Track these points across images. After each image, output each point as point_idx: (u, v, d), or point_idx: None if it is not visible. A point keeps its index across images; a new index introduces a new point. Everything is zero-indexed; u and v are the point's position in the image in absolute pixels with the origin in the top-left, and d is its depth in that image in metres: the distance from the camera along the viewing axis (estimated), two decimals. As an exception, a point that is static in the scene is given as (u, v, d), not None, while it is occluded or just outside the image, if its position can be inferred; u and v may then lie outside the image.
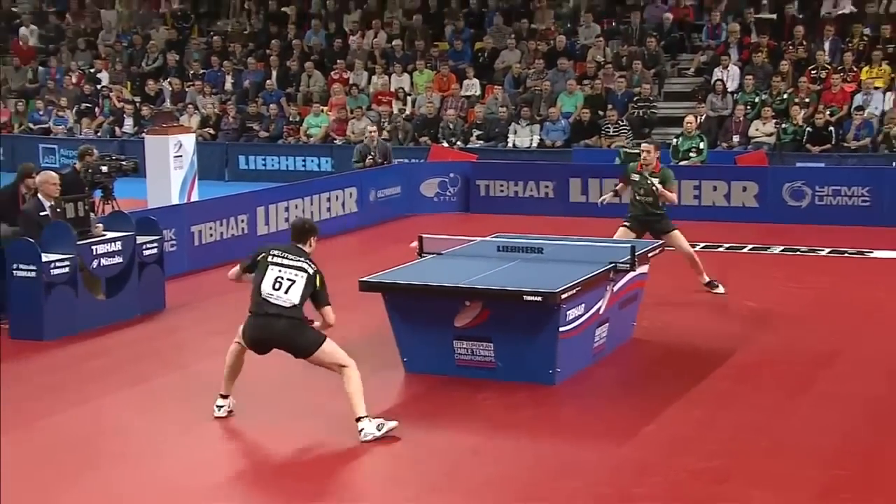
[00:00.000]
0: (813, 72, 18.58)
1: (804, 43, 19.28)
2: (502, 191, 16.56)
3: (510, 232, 10.73)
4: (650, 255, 9.40)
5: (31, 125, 22.97)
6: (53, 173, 10.36)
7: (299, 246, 7.28)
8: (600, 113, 19.08)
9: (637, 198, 10.87)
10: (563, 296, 7.83)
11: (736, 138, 17.92)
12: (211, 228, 12.74)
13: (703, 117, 17.86)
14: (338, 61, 21.98)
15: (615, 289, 8.74)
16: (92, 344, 9.49)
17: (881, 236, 13.74)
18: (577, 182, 16.13)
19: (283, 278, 7.06)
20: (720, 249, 13.01)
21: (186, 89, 22.38)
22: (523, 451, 6.94)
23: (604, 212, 15.36)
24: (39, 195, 10.04)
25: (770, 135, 17.76)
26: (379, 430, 6.99)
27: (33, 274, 9.46)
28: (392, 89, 21.24)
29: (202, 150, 17.31)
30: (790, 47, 19.24)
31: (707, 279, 10.96)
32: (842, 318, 10.12)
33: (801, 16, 20.20)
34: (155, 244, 10.63)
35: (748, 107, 18.20)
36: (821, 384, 8.22)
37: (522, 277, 8.36)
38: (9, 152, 21.93)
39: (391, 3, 23.35)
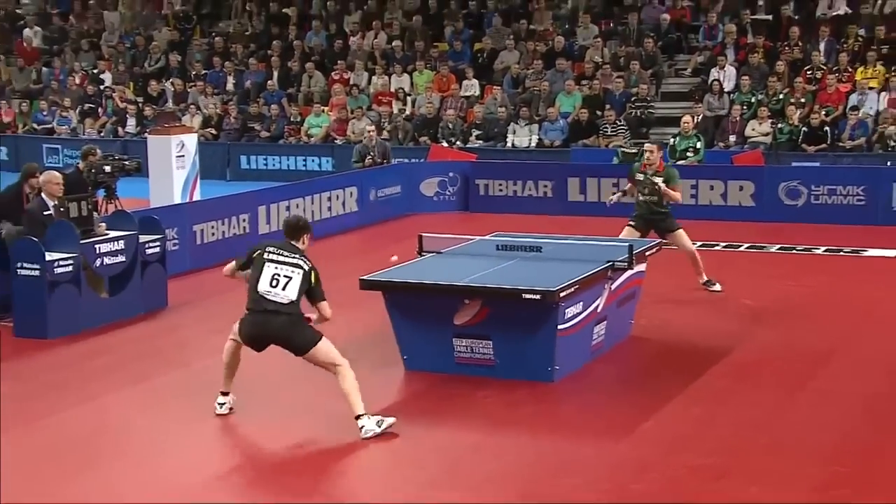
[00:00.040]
0: (808, 72, 18.68)
1: (800, 44, 19.37)
2: (501, 190, 16.64)
3: (509, 231, 10.79)
4: (647, 253, 9.48)
5: (34, 125, 23.06)
6: (57, 173, 10.39)
7: (293, 243, 7.33)
8: (598, 113, 19.17)
9: (641, 197, 10.96)
10: (562, 294, 7.89)
11: (732, 138, 18.02)
12: (213, 227, 12.81)
13: (700, 117, 17.95)
14: (338, 62, 22.07)
15: (613, 287, 8.80)
16: (95, 342, 9.54)
17: (876, 235, 13.83)
18: (575, 181, 16.22)
19: (279, 275, 7.11)
20: (717, 248, 13.10)
21: (188, 90, 22.47)
22: (523, 448, 6.97)
23: (602, 211, 15.44)
24: (43, 195, 10.07)
25: (766, 134, 17.86)
26: (379, 427, 7.05)
27: (37, 273, 9.50)
28: (392, 90, 21.32)
29: (204, 149, 17.41)
30: (786, 48, 19.34)
31: (705, 278, 11.05)
32: (838, 317, 10.18)
33: (796, 17, 20.29)
34: (157, 243, 10.70)
35: (744, 107, 18.29)
36: (818, 382, 8.27)
37: (521, 276, 8.41)
38: (13, 152, 22.06)
39: (391, 5, 23.43)
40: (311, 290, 7.23)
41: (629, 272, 8.95)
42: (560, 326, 8.04)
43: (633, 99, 19.33)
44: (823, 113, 17.72)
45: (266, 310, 7.10)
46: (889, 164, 16.45)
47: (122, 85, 23.31)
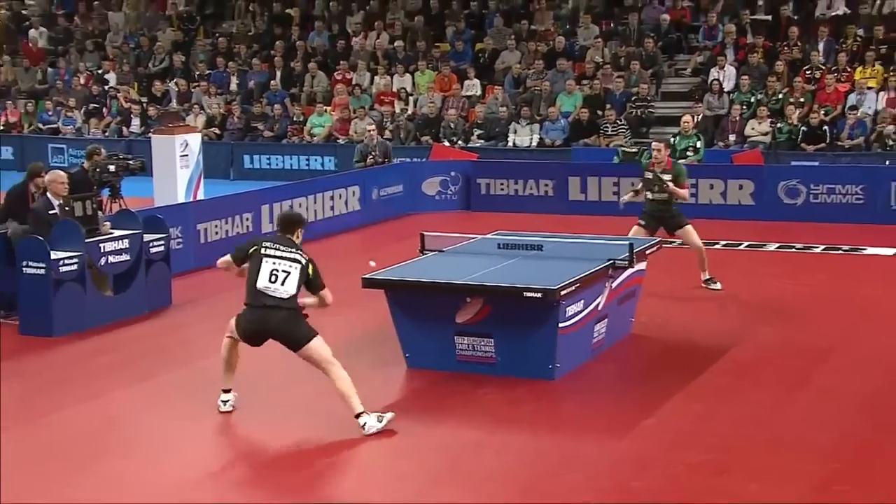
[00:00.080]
0: (807, 72, 18.73)
1: (799, 44, 19.43)
2: (503, 189, 16.69)
3: (510, 230, 10.84)
4: (648, 252, 9.53)
5: (40, 125, 23.14)
6: (62, 172, 10.44)
7: (288, 237, 7.39)
8: (599, 112, 19.23)
9: (651, 195, 11.03)
10: (563, 292, 7.93)
11: (732, 137, 18.08)
12: (216, 226, 12.87)
13: (700, 117, 18.01)
14: (341, 62, 22.13)
15: (614, 285, 8.85)
16: (100, 340, 9.59)
17: (875, 233, 13.87)
18: (576, 181, 16.28)
19: (278, 270, 7.16)
20: (717, 247, 13.14)
21: (192, 90, 22.55)
22: (524, 446, 7.00)
23: (603, 209, 15.59)
24: (48, 194, 10.12)
25: (766, 134, 17.92)
26: (380, 422, 7.10)
27: (42, 271, 9.56)
28: (394, 89, 21.38)
29: (208, 149, 17.46)
30: (785, 48, 19.39)
31: (707, 276, 11.11)
32: (837, 315, 10.22)
33: (795, 17, 20.34)
34: (161, 242, 10.76)
35: (744, 106, 18.35)
36: (818, 379, 8.31)
37: (522, 274, 8.45)
38: (18, 152, 22.14)
39: (393, 5, 23.49)
40: (311, 282, 7.30)
41: (630, 270, 8.99)
42: (561, 324, 8.08)
43: (633, 98, 19.40)
44: (822, 112, 17.78)
45: (265, 305, 7.14)
46: (888, 163, 16.51)
47: (127, 85, 23.40)
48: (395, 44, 22.25)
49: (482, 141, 19.66)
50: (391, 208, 16.10)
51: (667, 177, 10.90)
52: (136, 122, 22.22)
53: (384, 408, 7.53)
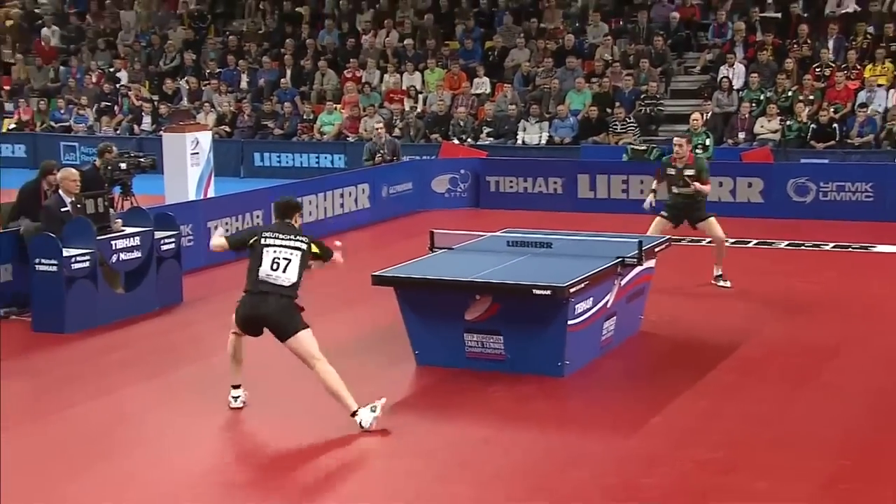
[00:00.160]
0: (817, 69, 18.69)
1: (809, 41, 19.39)
2: (512, 187, 16.73)
3: (520, 227, 10.88)
4: (657, 249, 9.56)
5: (52, 123, 23.24)
6: (74, 170, 10.49)
7: (287, 222, 7.45)
8: (608, 110, 19.22)
9: (675, 189, 11.06)
10: (572, 290, 7.95)
11: (741, 135, 18.05)
12: (227, 224, 12.92)
13: (709, 114, 18.00)
14: (351, 60, 22.18)
15: (623, 283, 8.86)
16: (111, 337, 9.64)
17: (884, 231, 13.87)
18: (585, 178, 16.31)
19: (280, 258, 7.20)
20: (726, 244, 13.13)
21: (203, 88, 22.62)
22: (532, 443, 7.01)
23: (612, 207, 15.63)
24: (61, 191, 10.17)
25: (775, 131, 17.90)
26: (374, 412, 7.09)
27: (55, 268, 9.62)
28: (404, 87, 21.42)
29: (218, 147, 17.53)
30: (795, 45, 19.36)
31: (719, 272, 11.13)
32: (846, 312, 10.22)
33: (805, 14, 20.28)
34: (172, 239, 10.80)
35: (753, 104, 18.33)
36: (825, 377, 8.32)
37: (532, 272, 8.47)
38: (31, 150, 22.25)
39: (403, 3, 23.51)
40: (318, 256, 7.41)
41: (639, 268, 9.02)
42: (570, 322, 8.10)
43: (642, 96, 19.40)
44: (832, 110, 17.75)
45: (262, 291, 7.19)
46: (898, 160, 16.51)
47: (138, 83, 23.49)
48: (405, 42, 22.28)
49: (491, 139, 19.68)
50: (401, 206, 16.15)
51: (690, 172, 10.94)
52: (147, 120, 22.32)
53: (394, 405, 7.58)
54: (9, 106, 24.47)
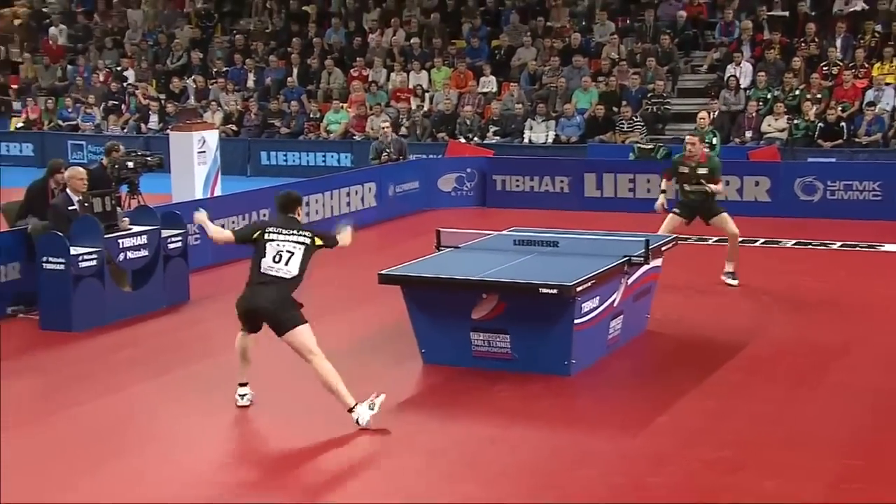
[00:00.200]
0: (825, 68, 18.66)
1: (816, 40, 19.35)
2: (518, 186, 16.73)
3: (526, 226, 10.89)
4: (663, 248, 9.55)
5: (60, 122, 23.31)
6: (81, 169, 10.52)
7: (290, 216, 7.49)
8: (615, 109, 19.22)
9: (688, 187, 11.07)
10: (579, 288, 7.95)
11: (748, 134, 18.04)
12: (234, 223, 12.93)
13: (716, 113, 17.98)
14: (357, 59, 22.19)
15: (629, 282, 8.87)
16: (119, 335, 9.66)
17: (892, 230, 13.86)
18: (591, 177, 16.32)
19: (282, 251, 7.26)
20: (738, 240, 13.14)
21: (210, 87, 22.66)
22: (539, 442, 7.01)
23: (619, 206, 15.62)
24: (68, 190, 10.20)
25: (782, 130, 17.88)
26: (372, 409, 7.11)
27: (62, 267, 9.65)
28: (410, 86, 21.43)
29: (225, 146, 17.53)
30: (802, 44, 19.32)
31: (731, 269, 11.12)
32: (853, 311, 10.21)
33: (813, 13, 20.24)
34: (179, 238, 10.83)
35: (760, 103, 18.31)
36: (833, 376, 8.31)
37: (538, 270, 8.47)
38: (39, 148, 22.33)
39: (409, 2, 23.52)
40: (325, 245, 7.45)
41: (645, 267, 9.01)
42: (577, 321, 8.10)
43: (649, 95, 19.39)
44: (840, 109, 17.71)
45: (262, 282, 7.24)
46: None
47: (145, 82, 23.54)
48: (412, 41, 22.29)
49: (498, 137, 19.67)
50: (407, 205, 16.16)
51: (703, 170, 10.95)
52: (154, 118, 22.36)
53: (400, 403, 7.58)
54: (17, 105, 24.56)
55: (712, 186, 10.96)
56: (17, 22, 27.31)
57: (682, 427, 7.21)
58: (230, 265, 11.62)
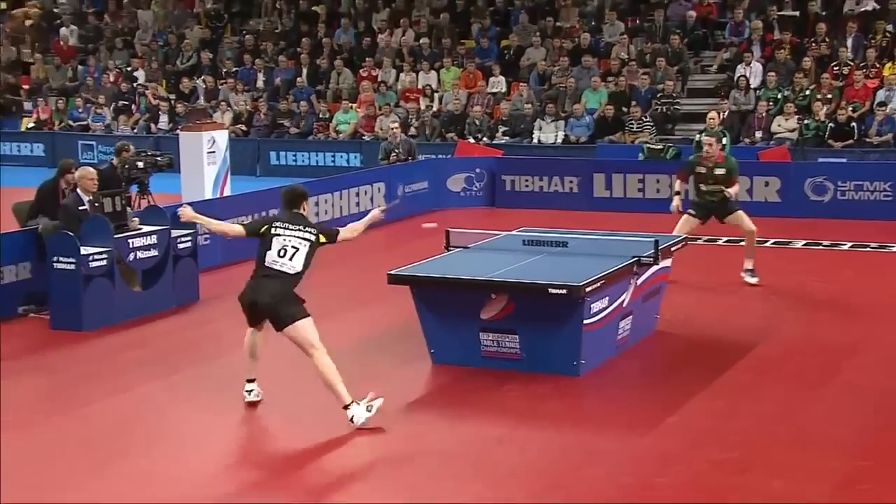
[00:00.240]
0: (835, 68, 18.61)
1: (827, 40, 19.30)
2: (527, 186, 16.72)
3: (535, 226, 10.88)
4: (673, 249, 9.54)
5: (70, 122, 23.40)
6: (92, 169, 10.54)
7: (295, 212, 7.52)
8: (624, 109, 19.20)
9: (704, 188, 11.07)
10: (588, 289, 7.95)
11: (758, 134, 18.00)
12: (243, 222, 12.96)
13: (726, 113, 17.95)
14: (366, 59, 22.22)
15: (639, 282, 8.85)
16: (129, 335, 9.69)
17: (903, 231, 13.85)
18: (601, 177, 16.30)
19: (287, 246, 7.30)
20: (743, 244, 13.11)
21: (219, 87, 22.72)
22: (547, 442, 7.01)
23: (628, 206, 15.60)
24: (78, 190, 10.23)
25: (792, 130, 17.84)
26: (370, 411, 7.12)
27: (73, 266, 9.69)
28: (419, 86, 21.45)
29: (234, 146, 17.56)
30: (813, 44, 19.27)
31: (750, 266, 11.11)
32: (863, 312, 10.18)
33: (823, 13, 20.19)
34: (189, 238, 10.86)
35: (771, 103, 18.27)
36: (842, 376, 8.29)
37: (547, 271, 8.47)
38: (49, 148, 22.42)
39: (419, 2, 23.53)
40: (328, 242, 7.49)
41: (655, 267, 9.00)
42: (586, 321, 8.10)
43: (658, 95, 19.36)
44: (850, 109, 17.66)
45: (265, 276, 7.28)
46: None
47: (155, 82, 23.60)
48: (421, 41, 22.31)
49: (507, 137, 19.68)
50: (416, 204, 16.14)
51: (720, 171, 10.95)
52: (164, 118, 22.42)
53: (409, 403, 7.59)
54: (28, 105, 24.67)
55: (730, 191, 10.95)
56: (28, 22, 27.43)
57: (690, 427, 7.20)
58: (240, 265, 11.59)
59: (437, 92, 21.30)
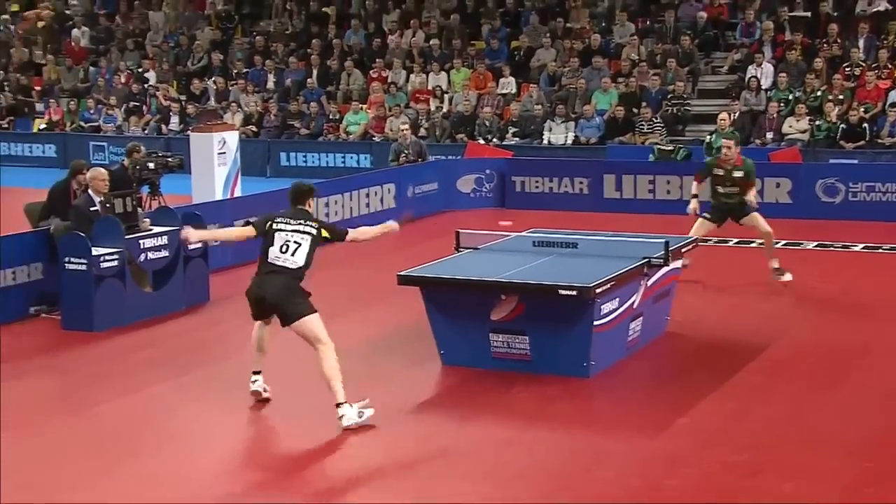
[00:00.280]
0: (847, 69, 18.54)
1: (838, 40, 19.23)
2: (537, 187, 16.70)
3: (545, 227, 10.87)
4: (683, 250, 9.53)
5: (82, 123, 23.48)
6: (103, 170, 10.57)
7: (300, 208, 7.56)
8: (634, 110, 19.17)
9: (722, 190, 11.07)
10: (598, 290, 7.94)
11: (769, 135, 17.95)
12: (250, 220, 12.97)
13: (737, 114, 17.90)
14: (377, 60, 22.23)
15: (649, 283, 8.84)
16: (139, 335, 9.71)
17: (915, 232, 13.78)
18: (611, 178, 16.27)
19: (290, 241, 7.33)
20: (753, 245, 13.08)
21: (230, 88, 22.76)
22: (557, 443, 7.01)
23: (638, 207, 15.56)
24: (90, 191, 10.25)
25: (804, 131, 17.78)
26: (360, 417, 7.13)
27: (84, 267, 9.72)
28: (430, 87, 21.45)
29: (245, 147, 17.61)
30: (824, 45, 19.20)
31: (776, 265, 11.10)
32: (875, 314, 10.14)
33: (835, 14, 20.12)
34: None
35: (782, 104, 18.22)
36: (853, 378, 8.27)
37: (557, 272, 8.46)
38: (61, 149, 22.51)
39: (429, 3, 23.55)
40: (331, 239, 7.51)
41: (665, 269, 8.98)
42: (596, 322, 8.09)
43: (669, 96, 19.33)
44: (862, 110, 17.60)
45: (269, 272, 7.31)
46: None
47: (166, 83, 23.66)
48: (431, 42, 22.31)
49: (517, 139, 19.67)
50: (426, 206, 16.15)
51: (739, 173, 10.95)
52: (174, 119, 22.48)
53: (419, 404, 7.58)
54: (39, 106, 24.75)
55: (752, 201, 10.96)
56: (40, 24, 27.54)
57: (700, 429, 7.19)
58: (250, 266, 11.58)
59: (447, 93, 21.30)
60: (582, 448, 6.96)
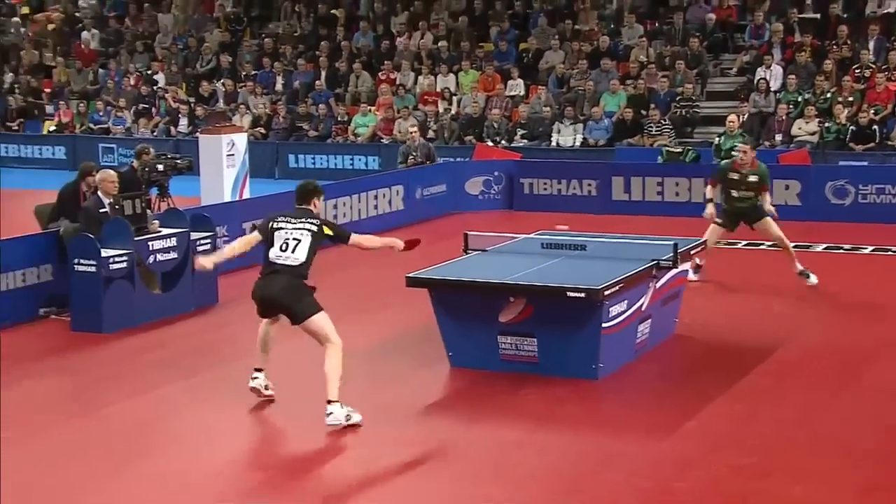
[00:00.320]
0: (857, 71, 18.50)
1: (848, 42, 19.18)
2: (546, 189, 16.70)
3: (553, 229, 10.87)
4: (692, 252, 9.52)
5: (91, 125, 23.53)
6: (112, 171, 10.60)
7: (303, 207, 7.55)
8: (643, 112, 19.15)
9: (736, 194, 11.07)
10: (607, 292, 7.93)
11: (779, 137, 17.92)
12: (255, 223, 12.99)
13: (746, 116, 17.87)
14: (385, 62, 22.25)
15: (658, 285, 8.83)
16: (148, 337, 9.73)
17: (925, 235, 13.73)
18: (619, 180, 16.25)
19: (289, 239, 7.33)
20: (762, 247, 13.07)
21: (239, 90, 22.79)
22: (565, 445, 7.01)
23: (646, 210, 15.54)
24: (99, 193, 10.27)
25: (813, 133, 17.74)
26: (346, 420, 7.14)
27: (93, 269, 9.73)
28: (438, 89, 21.46)
29: (254, 148, 17.62)
30: (834, 47, 19.16)
31: (800, 268, 11.10)
32: (884, 316, 10.12)
33: (845, 15, 20.09)
34: (208, 240, 10.87)
35: (791, 106, 18.18)
36: (863, 381, 8.24)
37: (566, 274, 8.45)
38: (71, 151, 22.58)
39: (437, 6, 23.56)
40: (334, 238, 7.49)
41: (674, 271, 8.97)
42: (604, 325, 8.08)
43: (678, 98, 19.30)
44: (872, 112, 17.56)
45: (271, 271, 7.32)
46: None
47: (175, 85, 23.71)
48: (439, 44, 22.32)
49: (525, 141, 19.67)
50: (434, 208, 16.16)
51: (753, 178, 10.95)
52: (183, 121, 22.53)
53: (427, 406, 7.57)
54: (49, 108, 24.82)
55: (770, 208, 10.94)
56: (50, 26, 27.63)
57: (709, 432, 7.18)
58: (258, 268, 11.65)
59: (455, 95, 21.31)
60: (591, 450, 6.96)
